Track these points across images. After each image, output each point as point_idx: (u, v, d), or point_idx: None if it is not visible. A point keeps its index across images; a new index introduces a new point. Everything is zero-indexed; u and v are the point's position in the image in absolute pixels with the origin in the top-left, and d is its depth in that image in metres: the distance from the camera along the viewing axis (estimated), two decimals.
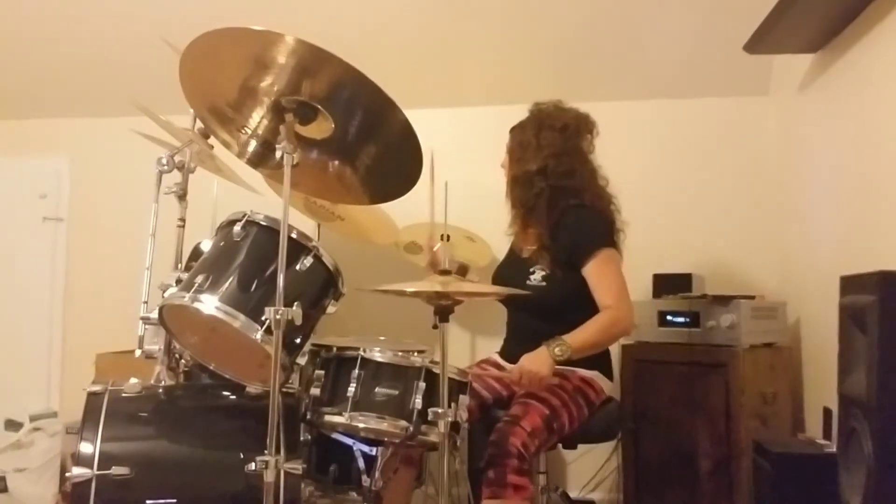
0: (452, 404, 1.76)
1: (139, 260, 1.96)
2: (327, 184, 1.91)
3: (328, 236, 2.75)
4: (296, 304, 1.56)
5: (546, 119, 2.18)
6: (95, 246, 3.39)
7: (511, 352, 2.23)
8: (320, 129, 1.71)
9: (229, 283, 1.67)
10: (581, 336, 1.98)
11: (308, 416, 1.82)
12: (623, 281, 2.08)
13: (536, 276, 2.13)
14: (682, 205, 3.02)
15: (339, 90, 1.61)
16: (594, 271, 2.07)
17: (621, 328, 2.06)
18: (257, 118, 1.73)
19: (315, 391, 1.81)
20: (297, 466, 1.63)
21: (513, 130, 2.26)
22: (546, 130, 2.16)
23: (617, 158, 2.28)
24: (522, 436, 1.86)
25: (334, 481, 2.09)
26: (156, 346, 1.91)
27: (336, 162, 1.83)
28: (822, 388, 2.37)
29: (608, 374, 2.18)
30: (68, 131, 3.47)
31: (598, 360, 2.14)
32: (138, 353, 1.90)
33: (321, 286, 1.79)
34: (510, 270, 2.27)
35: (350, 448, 1.99)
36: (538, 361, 1.94)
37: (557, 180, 2.13)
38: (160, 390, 1.86)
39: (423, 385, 1.76)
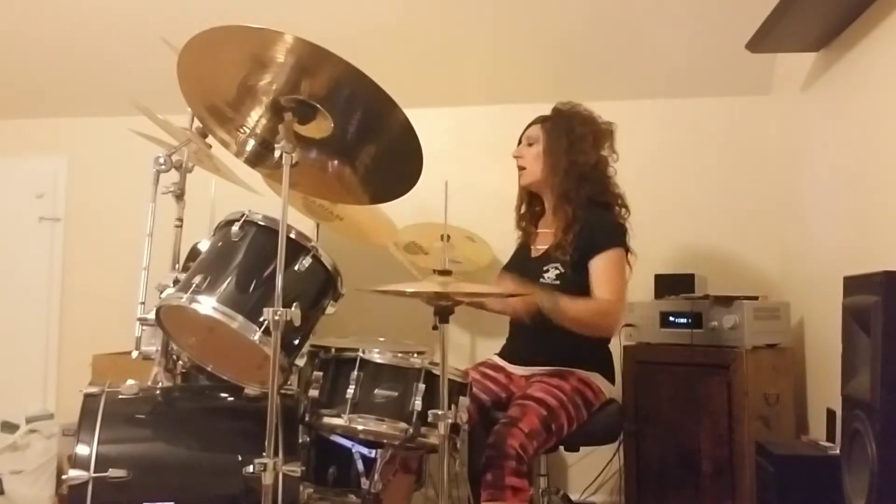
0: (452, 406, 1.74)
1: (136, 260, 1.95)
2: (326, 183, 1.90)
3: (327, 236, 2.74)
4: (294, 304, 1.55)
5: (591, 118, 2.21)
6: (92, 246, 3.38)
7: (513, 352, 2.22)
8: (319, 128, 1.70)
9: (227, 284, 1.66)
10: (573, 304, 1.99)
11: (307, 418, 1.81)
12: (625, 283, 2.07)
13: (550, 275, 2.12)
14: (683, 205, 3.01)
15: (338, 89, 1.59)
16: (600, 266, 2.06)
17: (607, 323, 2.07)
18: (256, 117, 1.72)
19: (314, 393, 1.79)
20: (295, 469, 1.62)
21: (551, 121, 2.22)
22: (598, 129, 2.19)
23: (618, 158, 2.26)
24: (520, 437, 1.85)
25: (333, 484, 2.08)
26: (153, 347, 1.89)
27: (335, 162, 1.82)
28: (825, 389, 2.36)
29: (609, 376, 2.17)
30: (65, 130, 3.46)
31: (599, 362, 2.13)
32: (135, 354, 1.89)
33: (320, 287, 1.78)
34: (521, 270, 2.24)
35: (349, 450, 1.98)
36: (527, 298, 1.98)
37: (600, 177, 2.17)
38: (157, 392, 1.85)
39: (422, 386, 1.74)
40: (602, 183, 2.18)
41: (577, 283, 2.08)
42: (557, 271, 2.12)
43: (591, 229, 2.10)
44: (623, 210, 2.19)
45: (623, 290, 2.06)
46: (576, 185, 2.14)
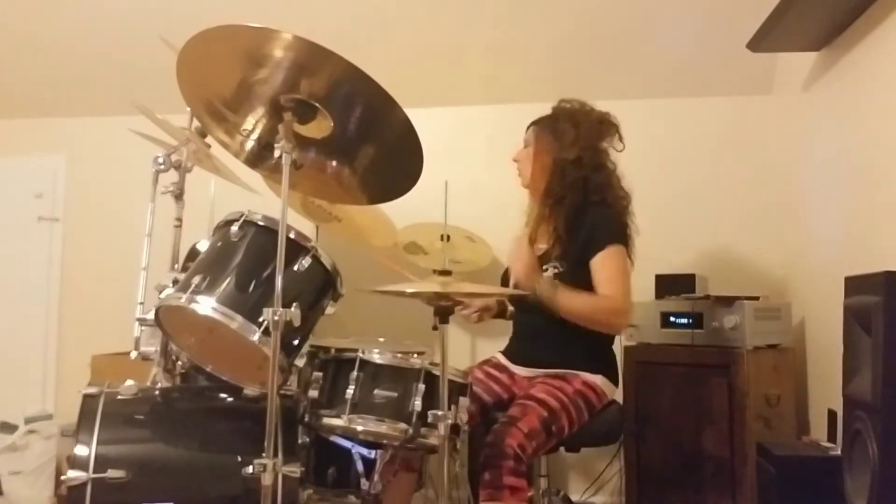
0: (452, 406, 1.74)
1: (135, 260, 1.94)
2: (326, 184, 1.89)
3: (327, 236, 2.73)
4: (294, 305, 1.54)
5: (581, 112, 2.18)
6: (91, 246, 3.38)
7: (517, 351, 2.21)
8: (319, 128, 1.69)
9: (227, 284, 1.65)
10: (573, 299, 1.98)
11: (306, 419, 1.80)
12: (628, 277, 2.05)
13: (549, 274, 2.11)
14: (684, 205, 3.01)
15: (338, 88, 1.59)
16: (600, 263, 2.04)
17: (615, 321, 2.05)
18: (255, 118, 1.72)
19: (313, 393, 1.79)
20: (295, 469, 1.62)
21: (540, 122, 2.22)
22: (584, 122, 2.15)
23: (618, 158, 2.26)
24: (519, 437, 1.83)
25: (333, 485, 2.07)
26: (152, 347, 1.89)
27: (335, 162, 1.81)
28: (826, 389, 2.36)
29: (613, 378, 2.15)
30: (64, 130, 3.46)
31: (603, 365, 2.12)
32: (134, 354, 1.89)
33: (320, 287, 1.77)
34: None
35: (349, 451, 1.98)
36: (532, 275, 2.00)
37: (590, 173, 2.12)
38: (156, 392, 1.84)
39: (422, 387, 1.74)
40: (596, 179, 2.13)
41: (575, 282, 2.07)
42: (556, 270, 2.11)
43: (588, 228, 2.08)
44: (624, 207, 2.15)
45: (625, 283, 2.03)
46: (560, 182, 2.12)
